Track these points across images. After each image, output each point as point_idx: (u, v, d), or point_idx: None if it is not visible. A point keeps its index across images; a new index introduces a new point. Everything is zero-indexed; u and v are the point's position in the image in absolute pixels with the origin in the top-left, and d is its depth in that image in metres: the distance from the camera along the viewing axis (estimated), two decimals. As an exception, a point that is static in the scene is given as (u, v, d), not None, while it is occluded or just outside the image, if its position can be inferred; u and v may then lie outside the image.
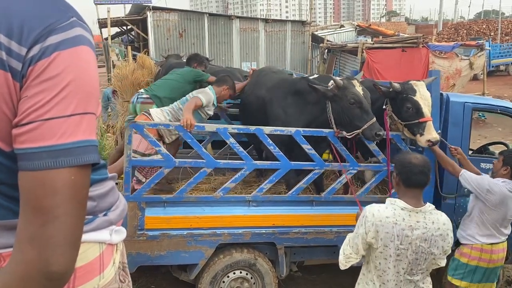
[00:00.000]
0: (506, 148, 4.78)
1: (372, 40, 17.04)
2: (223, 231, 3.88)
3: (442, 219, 2.77)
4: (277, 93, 4.39)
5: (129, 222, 3.60)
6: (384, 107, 4.17)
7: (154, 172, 4.12)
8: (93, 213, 1.23)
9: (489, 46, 21.44)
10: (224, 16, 18.00)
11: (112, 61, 11.96)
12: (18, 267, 0.92)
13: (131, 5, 18.88)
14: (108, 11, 15.50)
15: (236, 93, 4.91)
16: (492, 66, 24.00)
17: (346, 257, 2.83)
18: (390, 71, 12.42)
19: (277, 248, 4.09)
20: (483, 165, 4.36)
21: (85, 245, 1.17)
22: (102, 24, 17.71)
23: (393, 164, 3.28)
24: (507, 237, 3.84)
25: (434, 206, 2.82)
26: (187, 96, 4.48)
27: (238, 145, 3.86)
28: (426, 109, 3.93)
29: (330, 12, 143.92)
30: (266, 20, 18.07)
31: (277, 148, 3.89)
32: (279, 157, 3.90)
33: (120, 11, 22.48)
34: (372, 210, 2.74)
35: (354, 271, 3.04)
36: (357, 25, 24.24)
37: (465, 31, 32.64)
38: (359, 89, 3.93)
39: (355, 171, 4.15)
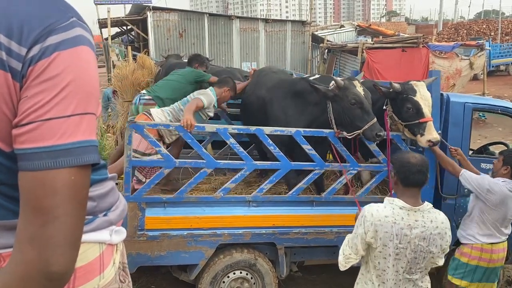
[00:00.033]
0: (506, 148, 4.78)
1: (372, 40, 17.03)
2: (223, 231, 3.88)
3: (440, 217, 2.79)
4: (277, 94, 4.39)
5: (129, 222, 3.60)
6: (384, 107, 4.17)
7: (154, 172, 4.12)
8: (93, 213, 1.22)
9: (489, 46, 21.45)
10: (224, 16, 18.00)
11: (112, 61, 11.96)
12: (18, 267, 0.92)
13: (131, 5, 18.87)
14: (108, 11, 15.50)
15: (237, 93, 4.91)
16: (492, 66, 24.00)
17: (345, 258, 2.84)
18: (390, 71, 12.41)
19: (277, 248, 4.09)
20: (483, 165, 4.36)
21: (85, 245, 1.17)
22: (102, 24, 17.71)
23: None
24: (507, 237, 3.85)
25: (432, 205, 2.83)
26: (187, 97, 4.48)
27: (238, 145, 3.86)
28: (427, 109, 3.93)
29: (330, 12, 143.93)
30: (266, 20, 18.06)
31: (277, 149, 3.89)
32: (279, 157, 3.90)
33: (120, 11, 22.49)
34: (371, 210, 2.74)
35: (354, 271, 3.04)
36: (357, 25, 24.24)
37: (465, 31, 32.64)
38: (360, 89, 3.93)
39: (356, 172, 4.16)
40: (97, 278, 1.23)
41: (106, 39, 17.16)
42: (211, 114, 4.59)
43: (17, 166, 0.95)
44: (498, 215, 3.71)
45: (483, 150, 5.34)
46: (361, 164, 4.23)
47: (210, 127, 3.96)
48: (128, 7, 19.92)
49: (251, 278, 4.10)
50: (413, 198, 2.77)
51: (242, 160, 3.90)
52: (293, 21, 18.91)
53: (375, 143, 4.01)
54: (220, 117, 5.38)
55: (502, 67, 25.73)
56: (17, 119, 0.94)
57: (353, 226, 2.93)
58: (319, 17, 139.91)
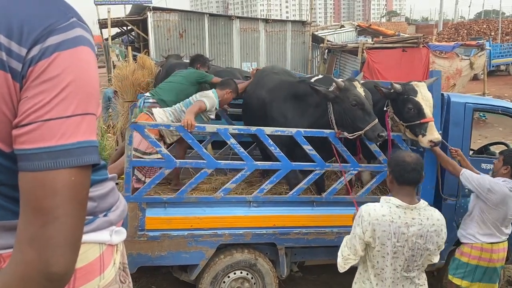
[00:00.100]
0: (507, 148, 4.78)
1: (372, 40, 17.02)
2: (224, 231, 3.88)
3: (436, 215, 2.82)
4: (277, 96, 4.38)
5: (129, 222, 3.60)
6: (385, 108, 4.16)
7: (154, 171, 4.13)
8: (93, 213, 1.22)
9: (490, 46, 21.43)
10: (224, 16, 18.00)
11: (113, 61, 11.98)
12: (18, 267, 0.92)
13: (131, 5, 18.88)
14: (109, 12, 15.51)
15: (239, 93, 4.91)
16: (493, 66, 23.98)
17: (344, 259, 2.85)
18: (390, 71, 12.40)
19: (277, 249, 4.09)
20: (483, 165, 4.36)
21: (85, 246, 1.17)
22: (103, 24, 17.71)
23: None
24: (507, 236, 3.85)
25: (427, 203, 2.86)
26: (190, 98, 4.49)
27: (238, 145, 3.86)
28: (428, 109, 3.93)
29: (330, 12, 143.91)
30: (266, 20, 18.06)
31: (277, 149, 3.89)
32: (279, 157, 3.90)
33: (120, 11, 22.46)
34: (368, 210, 2.76)
35: (354, 271, 3.04)
36: (357, 25, 24.22)
37: (465, 31, 32.62)
38: (360, 90, 3.93)
39: (356, 172, 4.16)
40: (97, 279, 1.23)
41: (106, 39, 17.18)
42: (213, 117, 4.61)
43: (17, 166, 0.95)
44: (499, 214, 3.71)
45: (484, 150, 5.34)
46: (362, 165, 4.22)
47: (211, 127, 3.96)
48: (128, 7, 19.94)
49: (252, 278, 4.10)
50: (409, 197, 2.79)
51: (243, 161, 3.90)
52: (293, 21, 18.90)
53: (377, 143, 4.00)
54: (220, 117, 5.38)
55: (502, 67, 25.70)
56: (17, 120, 0.94)
57: (353, 226, 2.93)
58: (319, 17, 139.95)
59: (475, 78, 18.63)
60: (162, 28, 15.48)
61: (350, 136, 3.90)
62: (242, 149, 3.89)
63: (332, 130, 3.98)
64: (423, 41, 13.53)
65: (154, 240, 3.73)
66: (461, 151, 4.11)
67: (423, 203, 2.81)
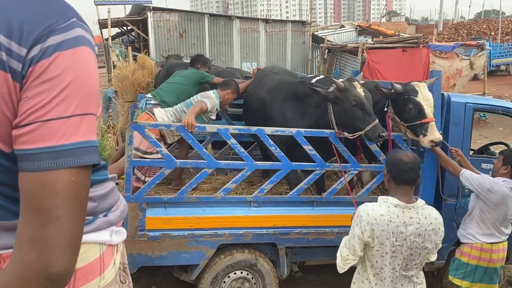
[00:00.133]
0: (507, 148, 4.78)
1: (372, 40, 17.02)
2: (224, 231, 3.88)
3: (433, 213, 2.83)
4: (277, 96, 4.38)
5: (130, 222, 3.60)
6: (385, 109, 4.16)
7: (154, 170, 4.14)
8: (93, 213, 1.22)
9: (490, 46, 21.42)
10: (224, 16, 18.00)
11: (113, 61, 11.98)
12: (18, 268, 0.92)
13: (131, 5, 18.89)
14: (109, 12, 15.52)
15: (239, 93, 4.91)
16: (493, 66, 23.97)
17: (343, 260, 2.85)
18: (390, 71, 12.40)
19: (278, 249, 4.09)
20: (484, 165, 4.36)
21: (86, 246, 1.17)
22: (103, 24, 17.72)
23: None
24: (507, 237, 3.85)
25: (424, 202, 2.87)
26: (191, 99, 4.49)
27: (239, 145, 3.86)
28: (429, 109, 3.93)
29: (330, 12, 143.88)
30: (266, 21, 18.06)
31: (278, 149, 3.89)
32: (280, 157, 3.90)
33: (120, 11, 22.47)
34: (367, 209, 2.77)
35: (354, 271, 3.05)
36: (357, 25, 24.22)
37: (465, 31, 32.62)
38: (360, 90, 3.93)
39: (357, 172, 4.16)
40: (97, 279, 1.23)
41: (107, 39, 17.19)
42: (213, 117, 4.61)
43: (17, 166, 0.95)
44: (498, 214, 3.71)
45: (484, 150, 5.34)
46: (362, 165, 4.22)
47: (211, 127, 3.96)
48: (128, 7, 19.96)
49: (252, 278, 4.11)
50: (407, 196, 2.80)
51: (243, 161, 3.90)
52: (293, 21, 18.90)
53: (378, 143, 4.00)
54: (220, 117, 5.38)
55: (502, 67, 25.70)
56: (17, 120, 0.94)
57: (354, 226, 2.93)
58: (319, 17, 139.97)
59: (475, 78, 18.63)
60: (162, 28, 15.49)
61: (350, 136, 3.90)
62: (242, 149, 3.89)
63: (333, 130, 3.98)
64: (423, 41, 13.53)
65: (155, 240, 3.73)
66: (461, 151, 4.11)
67: (420, 202, 2.83)
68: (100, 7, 18.58)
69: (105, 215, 1.27)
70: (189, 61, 6.26)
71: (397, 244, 2.71)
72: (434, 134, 3.88)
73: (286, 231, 4.01)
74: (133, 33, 19.55)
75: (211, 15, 16.92)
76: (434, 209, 2.90)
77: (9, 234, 1.03)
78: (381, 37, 18.66)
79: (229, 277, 4.05)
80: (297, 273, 4.88)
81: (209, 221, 3.86)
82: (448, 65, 13.67)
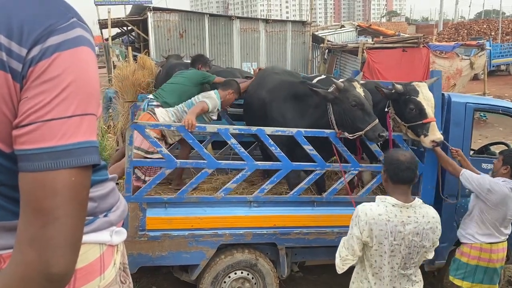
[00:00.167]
0: (507, 148, 4.78)
1: (372, 40, 17.02)
2: (224, 231, 3.88)
3: (431, 212, 2.85)
4: (277, 96, 4.38)
5: (130, 222, 3.61)
6: (386, 109, 4.16)
7: (154, 170, 4.14)
8: (93, 214, 1.22)
9: (490, 46, 21.41)
10: (224, 16, 18.00)
11: (113, 61, 11.98)
12: (18, 268, 0.92)
13: (131, 5, 18.91)
14: (109, 12, 15.53)
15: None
16: (493, 66, 23.97)
17: (342, 260, 2.86)
18: (390, 71, 12.41)
19: (278, 249, 4.09)
20: (484, 165, 4.36)
21: (86, 246, 1.17)
22: (103, 24, 17.73)
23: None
24: (507, 237, 3.84)
25: (422, 201, 2.88)
26: (192, 99, 4.49)
27: (239, 145, 3.86)
28: (430, 109, 3.93)
29: (331, 12, 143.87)
30: (266, 21, 18.06)
31: (278, 149, 3.89)
32: (280, 157, 3.90)
33: (120, 11, 22.48)
34: (365, 209, 2.78)
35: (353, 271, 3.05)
36: (357, 25, 24.22)
37: (465, 31, 32.60)
38: (360, 90, 3.92)
39: (357, 172, 4.16)
40: (97, 279, 1.23)
41: (107, 39, 17.19)
42: (215, 118, 4.61)
43: (17, 167, 0.95)
44: (498, 215, 3.71)
45: (484, 150, 5.34)
46: (362, 164, 4.22)
47: (212, 127, 3.96)
48: (129, 7, 19.98)
49: (252, 278, 4.10)
50: (404, 195, 2.81)
51: (243, 161, 3.90)
52: (293, 21, 18.90)
53: (378, 143, 4.00)
54: (221, 117, 5.37)
55: (502, 67, 25.70)
56: (18, 120, 0.93)
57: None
58: (319, 17, 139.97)
59: (475, 78, 18.63)
60: (162, 28, 15.49)
61: (350, 136, 3.90)
62: (242, 149, 3.89)
63: (333, 130, 3.98)
64: (423, 41, 13.53)
65: (155, 240, 3.73)
66: (462, 151, 4.11)
67: (418, 201, 2.84)
68: (100, 7, 18.60)
69: (105, 215, 1.27)
70: (189, 61, 6.25)
71: (395, 243, 2.72)
72: (435, 134, 3.88)
73: (286, 231, 4.01)
74: (133, 33, 19.56)
75: (211, 15, 16.92)
76: (431, 207, 2.92)
77: (9, 235, 1.03)
78: (381, 37, 18.65)
79: (229, 277, 4.05)
80: (298, 273, 4.88)
81: (209, 221, 3.86)
82: (448, 65, 13.67)
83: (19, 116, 0.93)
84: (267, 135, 3.86)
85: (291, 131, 3.89)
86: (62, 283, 0.95)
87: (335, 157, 4.09)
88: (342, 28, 23.84)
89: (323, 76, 4.79)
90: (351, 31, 23.27)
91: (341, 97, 3.88)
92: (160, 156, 3.83)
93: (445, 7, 38.54)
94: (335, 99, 3.90)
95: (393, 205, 2.76)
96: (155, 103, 4.66)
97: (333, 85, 3.94)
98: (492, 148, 5.43)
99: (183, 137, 3.88)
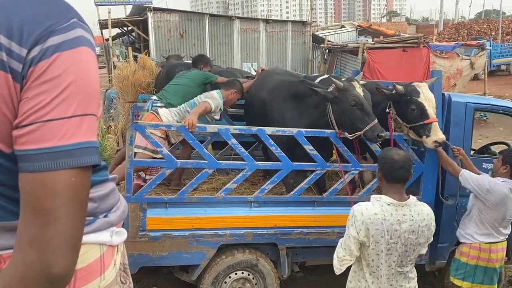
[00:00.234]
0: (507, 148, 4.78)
1: (373, 40, 17.04)
2: (225, 231, 3.88)
3: (425, 209, 2.87)
4: (277, 96, 4.38)
5: (131, 223, 3.60)
6: (387, 110, 4.15)
7: (155, 168, 4.15)
8: (93, 214, 1.22)
9: (490, 46, 21.42)
10: (224, 16, 18.03)
11: (113, 62, 11.98)
12: (18, 268, 0.92)
13: (131, 6, 18.91)
14: (109, 12, 15.54)
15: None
16: (493, 66, 23.97)
17: (340, 261, 2.87)
18: (391, 71, 12.42)
19: (279, 249, 4.09)
20: (485, 165, 4.36)
21: (86, 247, 1.17)
22: (103, 25, 17.74)
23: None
24: (506, 237, 3.84)
25: (416, 198, 2.89)
26: (195, 99, 4.49)
27: (239, 145, 3.86)
28: (431, 110, 3.92)
29: (331, 13, 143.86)
30: (266, 21, 18.08)
31: (279, 149, 3.89)
32: (280, 157, 3.90)
33: (120, 12, 22.50)
34: (360, 209, 2.79)
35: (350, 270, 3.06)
36: (357, 25, 24.24)
37: (466, 31, 32.60)
38: (359, 90, 3.92)
39: (357, 172, 4.15)
40: (97, 280, 1.23)
41: (107, 40, 17.21)
42: (217, 117, 4.61)
43: (17, 167, 0.94)
44: (497, 215, 3.71)
45: (485, 150, 5.34)
46: (363, 164, 4.22)
47: (212, 128, 3.96)
48: (129, 8, 19.99)
49: (253, 278, 4.10)
50: (399, 194, 2.83)
51: (244, 161, 3.90)
52: (293, 22, 18.92)
53: (377, 143, 4.00)
54: (221, 117, 5.37)
55: (503, 67, 25.69)
56: (18, 120, 0.93)
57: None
58: (319, 17, 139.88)
59: (475, 78, 18.63)
60: (163, 28, 15.51)
61: (350, 136, 3.90)
62: (243, 149, 3.89)
63: (333, 130, 3.98)
64: (424, 41, 13.55)
65: (155, 241, 3.73)
66: (463, 150, 4.10)
67: (412, 199, 2.86)
68: (100, 8, 18.60)
69: (105, 216, 1.27)
70: (189, 61, 6.25)
71: (392, 241, 2.75)
72: (437, 134, 3.88)
73: (287, 231, 4.01)
74: (133, 34, 19.57)
75: (211, 15, 16.95)
76: (425, 205, 2.94)
77: (9, 235, 1.03)
78: (381, 37, 18.67)
79: (230, 277, 4.04)
80: (298, 274, 4.87)
81: (210, 221, 3.85)
82: (448, 65, 13.68)
83: (19, 117, 0.93)
84: (268, 135, 3.86)
85: (292, 131, 3.89)
86: (62, 283, 0.95)
87: (334, 157, 4.08)
88: (342, 28, 23.86)
89: (325, 76, 4.79)
90: (351, 31, 23.28)
91: (340, 96, 3.88)
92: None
93: (445, 7, 38.56)
94: (335, 98, 3.90)
95: (388, 204, 2.78)
96: (159, 104, 4.66)
97: (333, 84, 3.94)
98: (493, 148, 5.43)
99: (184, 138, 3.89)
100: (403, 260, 2.82)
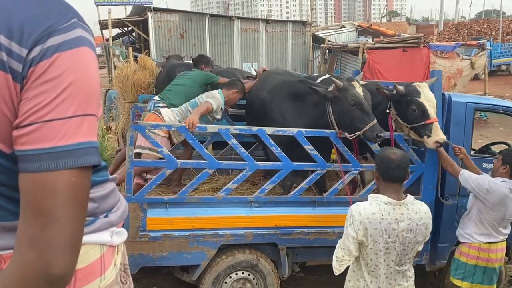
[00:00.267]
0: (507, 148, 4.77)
1: (373, 40, 17.04)
2: (225, 232, 3.88)
3: (423, 208, 2.89)
4: (277, 95, 4.38)
5: (131, 223, 3.60)
6: (388, 111, 4.15)
7: (157, 168, 4.15)
8: (94, 214, 1.22)
9: (490, 46, 21.43)
10: (225, 17, 18.04)
11: (113, 62, 11.99)
12: (18, 269, 0.92)
13: (132, 6, 18.92)
14: (109, 12, 15.55)
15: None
16: (493, 66, 23.97)
17: (339, 261, 2.88)
18: (391, 71, 12.42)
19: (279, 249, 4.09)
20: (485, 165, 4.35)
21: (86, 247, 1.17)
22: (103, 25, 17.75)
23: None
24: (506, 237, 3.84)
25: (413, 197, 2.90)
26: (196, 99, 4.50)
27: (240, 146, 3.86)
28: (432, 110, 3.92)
29: (331, 13, 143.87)
30: (267, 21, 18.09)
31: (279, 149, 3.89)
32: (281, 157, 3.90)
33: (121, 12, 22.51)
34: (358, 209, 2.80)
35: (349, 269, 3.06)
36: (358, 26, 24.24)
37: (466, 31, 32.59)
38: (359, 90, 3.92)
39: (358, 172, 4.15)
40: (98, 280, 1.22)
41: (107, 40, 17.22)
42: (219, 117, 4.61)
43: (17, 167, 0.94)
44: (497, 215, 3.71)
45: (485, 150, 5.33)
46: (363, 164, 4.22)
47: (212, 128, 3.96)
48: (129, 8, 19.99)
49: (253, 278, 4.10)
50: (396, 193, 2.84)
51: (244, 161, 3.90)
52: (293, 22, 18.93)
53: (377, 143, 4.00)
54: (222, 117, 5.37)
55: (503, 67, 25.70)
56: (18, 121, 0.93)
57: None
58: (319, 17, 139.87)
59: (476, 78, 18.63)
60: (163, 28, 15.51)
61: (350, 136, 3.90)
62: (243, 149, 3.89)
63: (333, 130, 3.97)
64: (424, 41, 13.55)
65: (156, 241, 3.73)
66: (464, 149, 4.09)
67: (409, 197, 2.87)
68: (100, 8, 18.60)
69: (105, 216, 1.26)
70: (189, 61, 6.24)
71: (390, 240, 2.76)
72: (438, 134, 3.88)
73: (287, 231, 4.01)
74: (133, 34, 19.58)
75: (211, 15, 16.96)
76: (423, 203, 2.95)
77: (10, 235, 1.03)
78: (381, 37, 18.67)
79: (230, 277, 4.04)
80: (299, 274, 4.87)
81: (210, 221, 3.85)
82: (449, 65, 13.68)
83: (20, 117, 0.93)
84: (268, 135, 3.86)
85: (292, 131, 3.89)
86: (62, 284, 0.95)
87: (335, 157, 4.08)
88: (343, 28, 23.86)
89: (327, 76, 4.79)
90: (352, 31, 23.29)
91: (340, 96, 3.88)
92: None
93: (445, 7, 38.54)
94: (334, 98, 3.90)
95: (385, 203, 2.78)
96: (161, 104, 4.67)
97: (333, 84, 3.93)
98: (493, 148, 5.43)
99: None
100: (402, 259, 2.83)
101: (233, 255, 4.00)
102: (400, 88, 3.98)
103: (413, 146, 4.33)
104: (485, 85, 16.46)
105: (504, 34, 30.88)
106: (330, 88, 3.94)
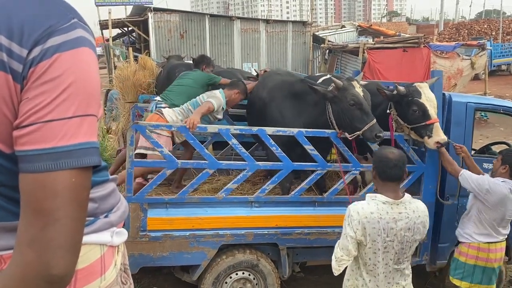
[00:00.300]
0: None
1: (373, 40, 17.03)
2: (225, 232, 3.88)
3: (421, 207, 2.90)
4: (276, 95, 4.39)
5: (131, 223, 3.60)
6: (388, 111, 4.14)
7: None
8: (94, 214, 1.22)
9: (491, 46, 21.41)
10: (225, 17, 18.04)
11: (114, 62, 12.00)
12: (18, 269, 0.92)
13: (132, 6, 18.93)
14: (109, 13, 15.56)
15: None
16: (494, 66, 23.96)
17: (338, 261, 2.88)
18: (391, 71, 12.42)
19: (279, 249, 4.09)
20: (485, 165, 4.35)
21: (86, 247, 1.17)
22: (103, 25, 17.76)
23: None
24: (505, 237, 3.84)
25: (410, 196, 2.90)
26: (197, 98, 4.50)
27: (240, 146, 3.86)
28: (433, 110, 3.92)
29: (331, 13, 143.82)
30: (267, 21, 18.09)
31: (279, 149, 3.89)
32: (281, 157, 3.90)
33: (121, 12, 22.51)
34: (356, 209, 2.81)
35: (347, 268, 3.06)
36: (358, 26, 24.25)
37: (466, 31, 32.58)
38: (359, 90, 3.92)
39: (358, 172, 4.15)
40: (98, 280, 1.22)
41: (107, 40, 17.22)
42: (220, 117, 4.62)
43: (17, 167, 0.94)
44: (496, 215, 3.71)
45: (485, 150, 5.33)
46: (363, 164, 4.22)
47: (213, 128, 3.96)
48: (129, 8, 20.00)
49: (254, 278, 4.10)
50: (394, 192, 2.84)
51: (245, 161, 3.90)
52: (294, 22, 18.94)
53: (376, 143, 4.00)
54: (223, 117, 5.37)
55: (503, 67, 25.68)
56: (18, 121, 0.93)
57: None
58: (320, 17, 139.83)
59: (476, 78, 18.62)
60: (163, 29, 15.52)
61: (350, 136, 3.90)
62: (243, 150, 3.89)
63: (333, 130, 3.98)
64: (424, 41, 13.55)
65: (156, 241, 3.73)
66: (465, 148, 4.08)
67: (407, 196, 2.87)
68: (100, 8, 18.61)
69: (105, 216, 1.26)
70: (190, 61, 6.24)
71: (388, 239, 2.76)
72: (439, 135, 3.88)
73: (287, 231, 4.01)
74: (134, 34, 19.59)
75: (211, 15, 16.96)
76: (420, 202, 2.95)
77: (10, 235, 1.03)
78: (382, 37, 18.66)
79: (230, 277, 4.04)
80: (299, 274, 4.87)
81: (210, 221, 3.85)
82: (449, 65, 13.68)
83: (20, 117, 0.93)
84: (268, 135, 3.86)
85: (292, 131, 3.89)
86: (62, 284, 0.95)
87: (335, 157, 4.08)
88: (343, 28, 23.87)
89: (328, 76, 4.79)
90: (352, 31, 23.29)
91: (339, 95, 3.88)
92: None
93: (445, 7, 38.53)
94: (334, 97, 3.90)
95: (383, 203, 2.79)
96: (163, 105, 4.67)
97: (333, 84, 3.94)
98: (493, 148, 5.42)
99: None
100: (400, 258, 2.84)
101: (234, 255, 4.00)
102: (401, 88, 3.98)
103: (413, 146, 4.32)
104: (485, 85, 16.46)
105: (504, 34, 30.87)
106: (330, 88, 3.94)
